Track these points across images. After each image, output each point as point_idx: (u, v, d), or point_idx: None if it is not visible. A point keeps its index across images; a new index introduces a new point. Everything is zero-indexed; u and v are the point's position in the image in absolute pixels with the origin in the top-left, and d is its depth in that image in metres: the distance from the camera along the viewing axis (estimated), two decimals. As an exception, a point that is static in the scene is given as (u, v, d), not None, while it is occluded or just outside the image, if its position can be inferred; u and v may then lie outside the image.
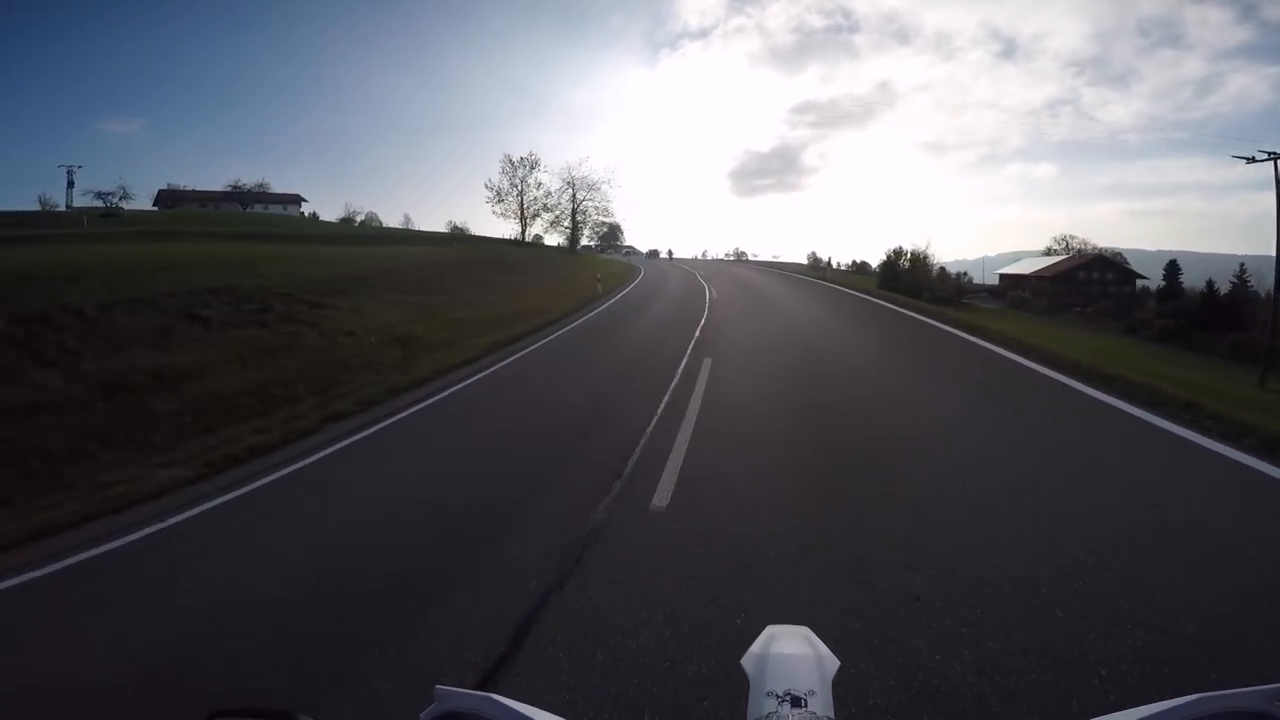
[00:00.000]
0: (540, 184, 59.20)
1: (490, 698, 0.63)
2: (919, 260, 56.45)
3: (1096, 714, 0.63)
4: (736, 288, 25.67)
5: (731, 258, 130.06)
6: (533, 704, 0.66)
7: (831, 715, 0.70)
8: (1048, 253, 76.54)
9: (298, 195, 74.46)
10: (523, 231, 58.41)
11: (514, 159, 59.81)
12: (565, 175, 59.94)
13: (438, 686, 0.64)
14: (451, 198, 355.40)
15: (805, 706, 0.69)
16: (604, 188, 61.49)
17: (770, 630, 0.87)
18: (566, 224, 60.30)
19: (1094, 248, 57.69)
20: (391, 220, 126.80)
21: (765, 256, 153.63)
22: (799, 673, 0.75)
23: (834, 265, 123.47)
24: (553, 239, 62.93)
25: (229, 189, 68.39)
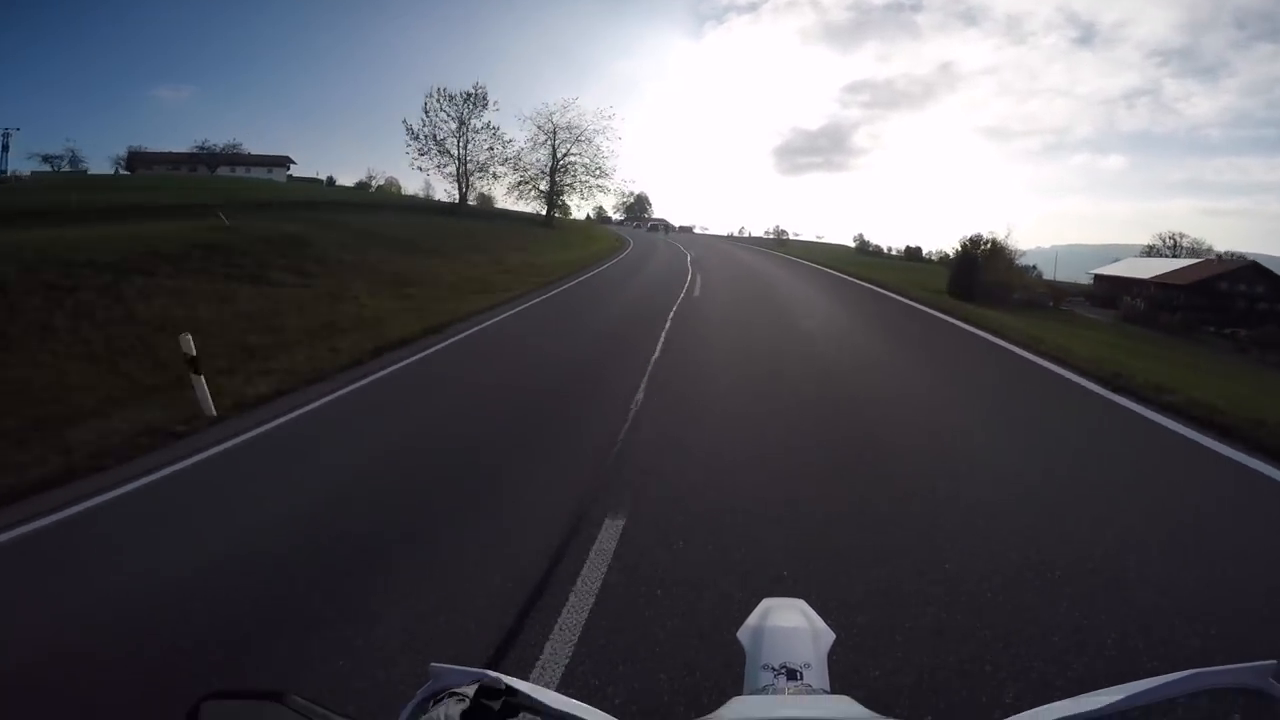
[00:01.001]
0: (495, 130, 40.65)
1: (486, 673, 0.62)
2: (1000, 252, 46.46)
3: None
4: (749, 302, 14.41)
5: (771, 236, 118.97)
6: (530, 691, 0.62)
7: (827, 687, 0.69)
8: (1150, 251, 64.76)
9: (285, 157, 67.52)
10: (462, 195, 39.87)
11: (449, 93, 40.60)
12: (541, 121, 40.67)
13: (433, 665, 0.62)
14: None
15: (801, 679, 0.68)
16: (597, 139, 41.52)
17: (766, 603, 0.85)
18: (544, 185, 39.28)
19: (1233, 252, 46.31)
20: (413, 187, 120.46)
21: (809, 236, 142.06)
22: (795, 646, 0.74)
23: (887, 251, 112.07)
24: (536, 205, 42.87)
25: (196, 150, 59.79)
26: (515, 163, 40.10)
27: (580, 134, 40.49)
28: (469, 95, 40.36)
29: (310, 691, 0.60)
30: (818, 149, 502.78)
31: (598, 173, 40.86)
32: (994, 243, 46.80)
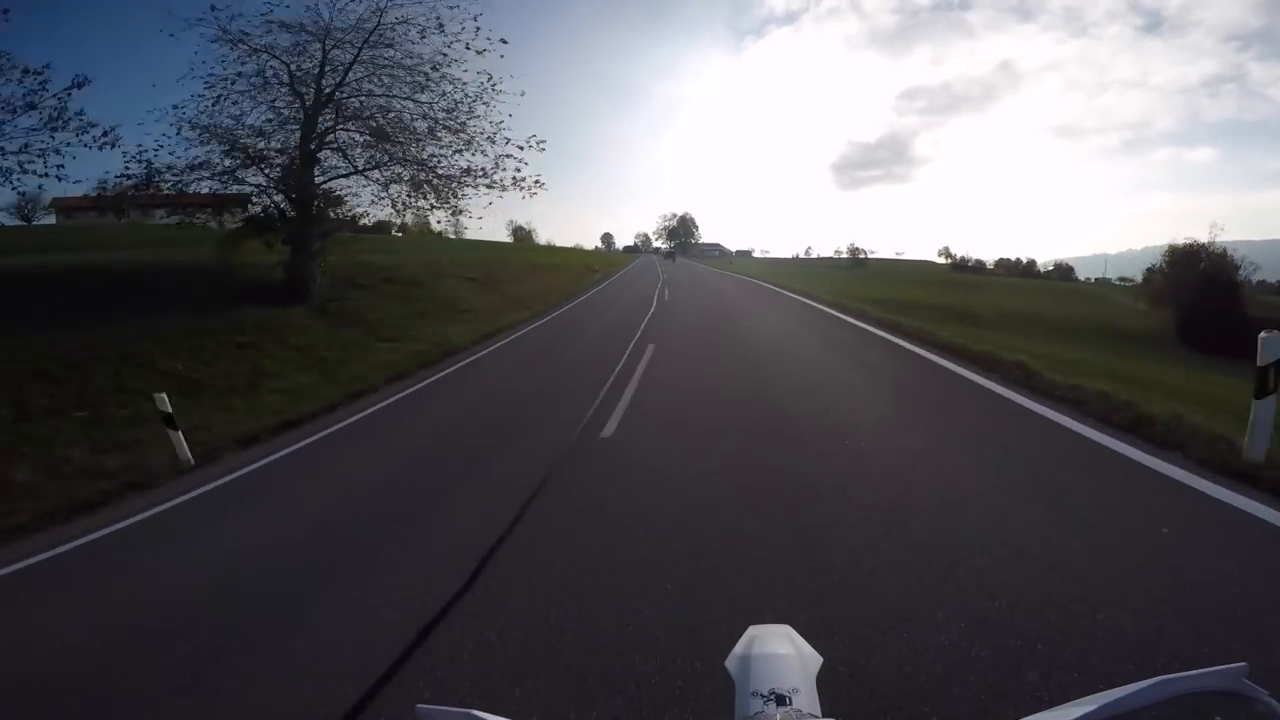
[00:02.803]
0: None
1: (471, 713, 0.60)
2: (1225, 267, 29.22)
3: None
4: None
5: (845, 255, 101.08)
6: (513, 717, 0.65)
7: (817, 712, 0.70)
8: None
9: (245, 197, 58.00)
10: None
11: None
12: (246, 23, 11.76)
13: (419, 706, 0.62)
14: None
15: (790, 704, 0.69)
16: (450, 57, 12.19)
17: (752, 630, 0.87)
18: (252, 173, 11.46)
19: None
20: (435, 222, 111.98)
21: (885, 253, 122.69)
22: (782, 672, 0.75)
23: (991, 267, 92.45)
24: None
25: (100, 190, 46.37)
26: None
27: (389, 37, 11.91)
28: None
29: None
30: (877, 161, 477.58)
31: (453, 138, 12.39)
32: (1222, 255, 29.84)
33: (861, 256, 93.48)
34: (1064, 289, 69.81)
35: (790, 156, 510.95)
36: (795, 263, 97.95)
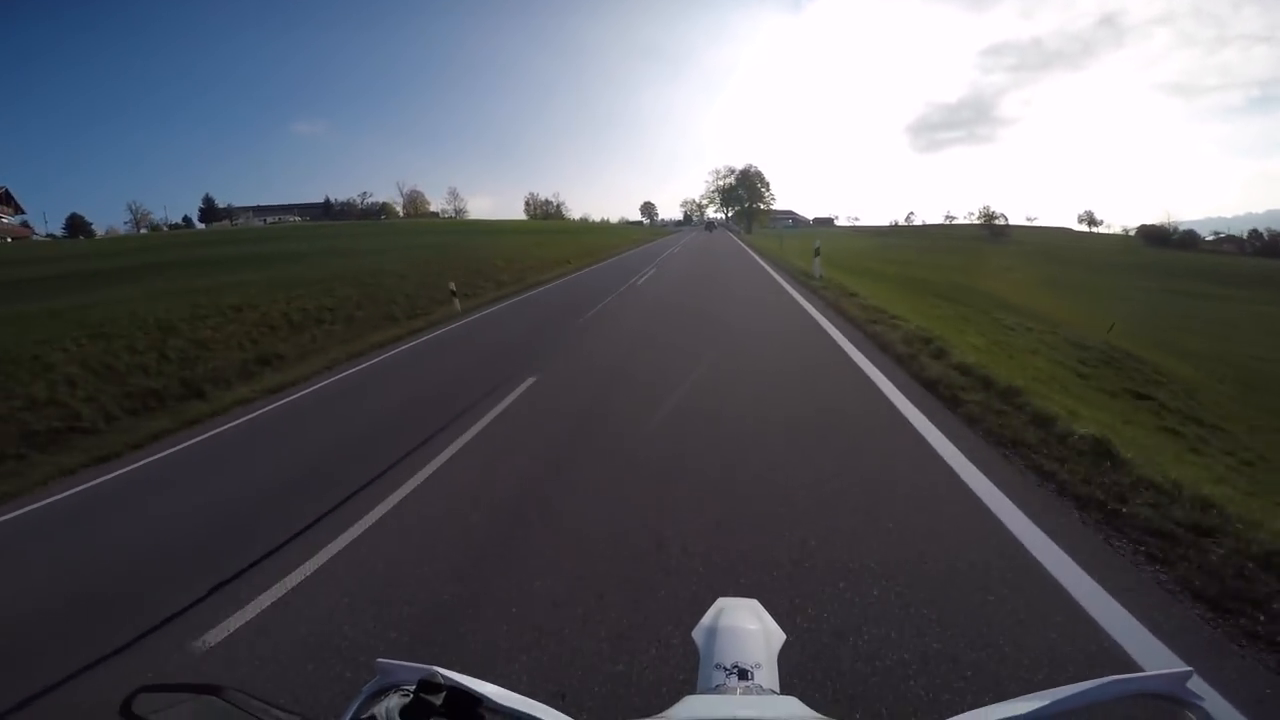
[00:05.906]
0: None
1: (430, 669, 0.62)
2: None
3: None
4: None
5: (978, 220, 74.58)
6: (476, 678, 0.64)
7: (776, 688, 0.70)
8: None
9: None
10: None
11: None
12: None
13: (379, 660, 0.64)
14: (567, 169, 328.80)
15: (752, 679, 0.70)
16: None
17: (720, 603, 0.86)
18: None
19: None
20: (438, 204, 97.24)
21: (1017, 218, 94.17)
22: (746, 646, 0.76)
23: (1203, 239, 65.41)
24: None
25: None
26: None
27: None
28: None
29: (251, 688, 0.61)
30: (958, 121, 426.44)
31: None
32: None
33: (1000, 224, 67.05)
34: None
35: (861, 118, 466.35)
36: (899, 234, 72.56)
